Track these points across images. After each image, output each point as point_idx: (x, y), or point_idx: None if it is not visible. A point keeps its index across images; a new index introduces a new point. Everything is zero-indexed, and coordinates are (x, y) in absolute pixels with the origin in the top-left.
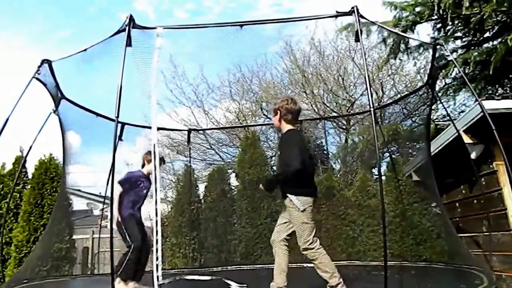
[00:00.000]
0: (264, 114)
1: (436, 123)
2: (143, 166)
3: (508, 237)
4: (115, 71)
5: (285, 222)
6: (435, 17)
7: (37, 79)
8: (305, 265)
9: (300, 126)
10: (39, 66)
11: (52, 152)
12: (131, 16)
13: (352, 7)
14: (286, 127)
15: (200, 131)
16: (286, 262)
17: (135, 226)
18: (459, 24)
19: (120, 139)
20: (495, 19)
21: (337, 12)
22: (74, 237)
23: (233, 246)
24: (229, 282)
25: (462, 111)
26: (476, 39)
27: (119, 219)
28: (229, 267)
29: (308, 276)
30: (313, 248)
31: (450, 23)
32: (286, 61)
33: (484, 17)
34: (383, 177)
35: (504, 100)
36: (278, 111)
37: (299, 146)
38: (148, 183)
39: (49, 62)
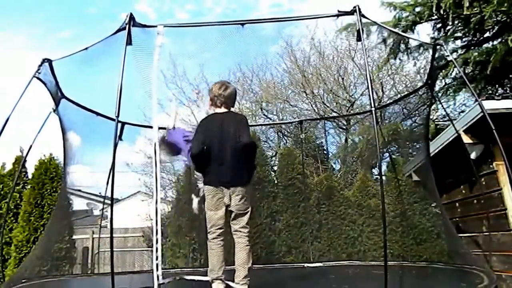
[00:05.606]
0: (264, 114)
1: (436, 123)
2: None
3: (508, 237)
4: (116, 70)
5: None
6: (435, 17)
7: (38, 78)
8: (305, 265)
9: (300, 126)
10: (40, 65)
11: (52, 152)
12: (131, 14)
13: (354, 7)
14: (215, 111)
15: None
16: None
17: None
18: (459, 24)
19: (120, 138)
20: (495, 19)
21: (338, 11)
22: (74, 237)
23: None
24: (228, 282)
25: (462, 111)
26: (476, 39)
27: None
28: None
29: (308, 276)
30: (208, 238)
31: (450, 23)
32: (287, 61)
33: (484, 17)
34: (383, 177)
35: (504, 100)
36: (209, 96)
37: (207, 130)
38: None
39: (49, 61)
